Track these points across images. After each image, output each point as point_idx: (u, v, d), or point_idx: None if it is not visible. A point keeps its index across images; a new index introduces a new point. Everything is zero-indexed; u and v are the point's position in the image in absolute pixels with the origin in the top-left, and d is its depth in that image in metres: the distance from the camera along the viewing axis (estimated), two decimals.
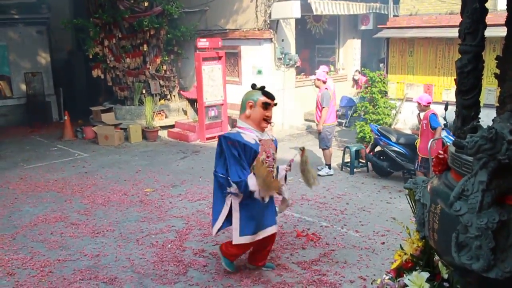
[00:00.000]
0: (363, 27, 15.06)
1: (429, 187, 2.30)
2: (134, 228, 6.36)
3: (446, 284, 2.57)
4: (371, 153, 8.80)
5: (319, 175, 8.58)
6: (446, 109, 7.21)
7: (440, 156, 2.39)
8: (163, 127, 12.66)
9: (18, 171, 9.44)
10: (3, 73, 14.43)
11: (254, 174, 4.45)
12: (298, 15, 11.88)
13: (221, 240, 5.50)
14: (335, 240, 5.88)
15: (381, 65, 12.98)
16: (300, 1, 11.84)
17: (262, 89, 4.72)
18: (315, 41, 15.59)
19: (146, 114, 12.21)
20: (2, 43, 14.27)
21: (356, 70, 14.63)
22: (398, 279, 2.76)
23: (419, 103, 7.54)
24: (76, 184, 8.46)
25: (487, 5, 2.22)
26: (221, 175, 4.60)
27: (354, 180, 8.57)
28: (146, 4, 12.89)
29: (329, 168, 8.83)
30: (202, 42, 11.55)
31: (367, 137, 9.72)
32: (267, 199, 4.64)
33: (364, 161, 9.05)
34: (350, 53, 15.61)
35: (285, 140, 11.85)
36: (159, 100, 13.49)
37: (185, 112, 13.31)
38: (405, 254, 2.84)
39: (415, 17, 10.14)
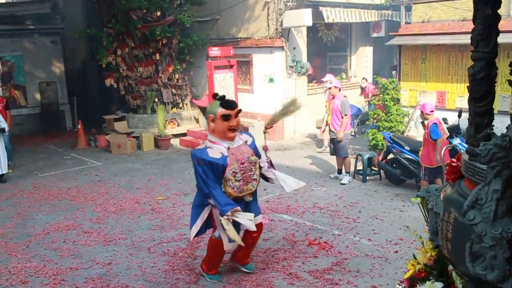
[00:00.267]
0: (375, 35, 14.99)
1: (442, 195, 2.27)
2: (146, 236, 6.38)
3: None
4: (384, 161, 8.73)
5: (341, 183, 8.60)
6: (459, 116, 7.13)
7: (453, 164, 2.36)
8: (175, 135, 12.72)
9: (32, 179, 9.55)
10: (18, 83, 14.69)
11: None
12: (310, 23, 11.89)
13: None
14: (348, 249, 5.82)
15: (394, 72, 12.89)
16: (312, 9, 11.86)
17: (221, 99, 4.62)
18: (326, 49, 15.56)
19: (158, 122, 12.30)
20: (17, 53, 14.53)
21: (363, 78, 14.52)
22: None
23: (422, 112, 7.47)
24: (88, 192, 8.53)
25: (500, 11, 2.20)
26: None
27: (366, 188, 8.50)
28: (158, 13, 13.02)
29: (349, 175, 8.82)
30: (214, 51, 11.60)
31: (380, 144, 9.65)
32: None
33: (376, 169, 8.98)
34: (362, 60, 15.55)
35: (297, 148, 11.82)
36: (171, 109, 13.59)
37: (197, 121, 13.37)
38: (418, 263, 2.80)
39: (427, 24, 10.08)
